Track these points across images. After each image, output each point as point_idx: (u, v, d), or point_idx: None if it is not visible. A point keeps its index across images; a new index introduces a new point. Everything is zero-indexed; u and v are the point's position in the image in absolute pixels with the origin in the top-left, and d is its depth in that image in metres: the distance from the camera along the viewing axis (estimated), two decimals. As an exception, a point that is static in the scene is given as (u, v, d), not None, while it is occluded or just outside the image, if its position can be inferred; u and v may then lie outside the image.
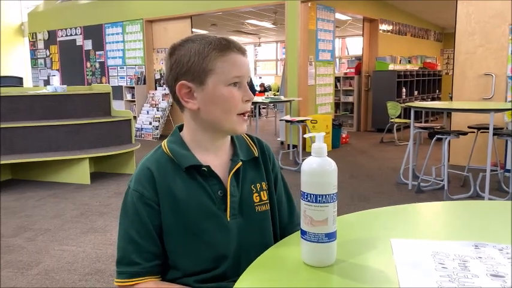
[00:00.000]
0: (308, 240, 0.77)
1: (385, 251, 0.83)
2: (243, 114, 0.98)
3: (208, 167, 0.97)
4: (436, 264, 0.76)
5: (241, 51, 0.97)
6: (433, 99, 10.20)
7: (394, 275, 0.73)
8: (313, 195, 0.75)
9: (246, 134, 1.07)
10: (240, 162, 1.01)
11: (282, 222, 1.08)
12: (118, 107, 6.33)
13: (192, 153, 0.98)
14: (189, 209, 0.95)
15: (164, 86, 8.31)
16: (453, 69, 5.38)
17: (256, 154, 1.06)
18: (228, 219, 0.98)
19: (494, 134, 3.76)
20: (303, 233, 0.78)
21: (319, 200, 0.75)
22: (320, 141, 0.77)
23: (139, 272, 0.94)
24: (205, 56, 0.93)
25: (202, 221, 0.96)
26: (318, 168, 0.76)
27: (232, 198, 0.99)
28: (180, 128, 1.05)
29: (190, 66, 0.94)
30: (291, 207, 1.12)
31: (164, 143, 1.01)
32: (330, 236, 0.77)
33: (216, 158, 1.01)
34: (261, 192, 1.03)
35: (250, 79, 1.06)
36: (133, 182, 0.97)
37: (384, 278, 0.73)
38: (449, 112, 5.44)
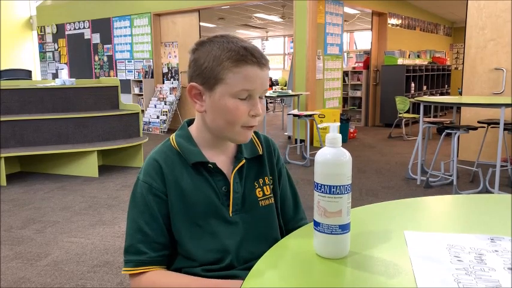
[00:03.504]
0: (321, 232, 0.76)
1: (399, 244, 0.82)
2: (248, 126, 0.97)
3: (214, 163, 0.99)
4: (451, 257, 0.75)
5: (260, 63, 0.93)
6: (442, 94, 10.12)
7: (408, 267, 0.72)
8: (327, 186, 0.74)
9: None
10: (244, 160, 1.03)
11: (286, 217, 1.10)
12: (126, 100, 6.35)
13: (199, 149, 1.00)
14: (195, 200, 0.97)
15: (172, 80, 8.32)
16: (463, 63, 5.32)
17: (261, 152, 1.07)
18: (230, 214, 1.00)
19: (504, 129, 3.73)
20: (316, 224, 0.77)
21: (333, 191, 0.74)
22: (335, 132, 0.76)
23: (145, 261, 0.95)
24: (219, 63, 0.92)
25: (207, 214, 0.98)
26: (333, 159, 0.75)
27: (235, 195, 1.00)
28: (189, 122, 1.06)
29: (203, 70, 0.94)
30: (296, 202, 1.13)
31: (172, 136, 1.03)
32: (344, 228, 0.76)
33: (221, 154, 1.03)
34: (264, 187, 1.04)
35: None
36: (142, 173, 0.99)
37: (398, 270, 0.72)
38: (458, 107, 5.38)
